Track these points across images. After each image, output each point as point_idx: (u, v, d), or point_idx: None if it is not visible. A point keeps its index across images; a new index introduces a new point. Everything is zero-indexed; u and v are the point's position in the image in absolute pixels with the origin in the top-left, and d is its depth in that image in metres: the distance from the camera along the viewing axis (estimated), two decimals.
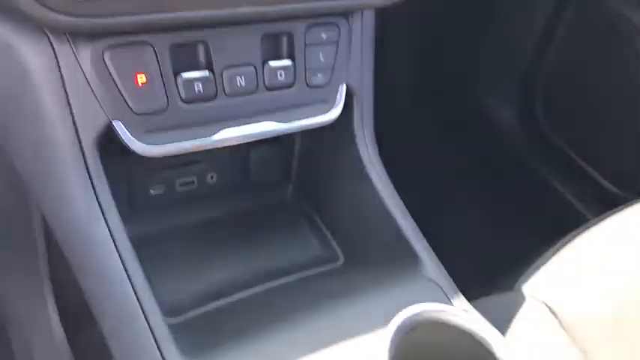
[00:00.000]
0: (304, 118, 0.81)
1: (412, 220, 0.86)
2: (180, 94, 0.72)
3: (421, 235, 0.85)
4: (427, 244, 0.84)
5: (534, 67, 1.58)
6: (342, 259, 0.93)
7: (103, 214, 0.71)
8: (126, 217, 0.73)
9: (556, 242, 0.98)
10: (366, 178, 0.88)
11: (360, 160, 0.88)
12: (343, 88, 0.83)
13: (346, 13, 0.81)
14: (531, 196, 1.64)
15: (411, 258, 0.83)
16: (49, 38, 0.66)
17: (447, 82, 1.78)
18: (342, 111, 0.84)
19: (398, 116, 1.53)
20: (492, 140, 1.70)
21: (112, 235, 0.71)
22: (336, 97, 0.83)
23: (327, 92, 0.82)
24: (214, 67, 0.73)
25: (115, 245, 0.70)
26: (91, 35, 0.66)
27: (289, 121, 0.80)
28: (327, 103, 0.83)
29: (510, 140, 1.67)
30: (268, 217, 0.96)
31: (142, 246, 0.75)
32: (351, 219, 0.92)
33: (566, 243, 0.94)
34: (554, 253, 0.91)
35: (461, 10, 1.61)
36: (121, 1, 0.61)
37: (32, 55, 0.67)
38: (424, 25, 1.69)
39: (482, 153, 1.73)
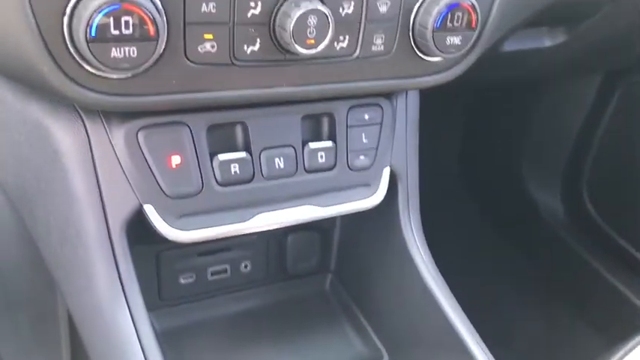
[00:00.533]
0: (345, 203, 0.76)
1: (462, 312, 0.78)
2: (215, 177, 0.68)
3: (472, 328, 0.77)
4: (479, 338, 0.76)
5: (580, 155, 1.53)
6: (385, 358, 0.85)
7: (127, 304, 0.66)
8: (152, 307, 0.68)
9: (620, 340, 0.88)
10: (411, 266, 0.81)
11: (405, 247, 0.82)
12: (387, 171, 0.79)
13: (390, 94, 0.78)
14: (582, 288, 1.55)
15: (462, 354, 0.75)
16: (81, 117, 0.63)
17: (491, 168, 1.74)
18: (386, 195, 0.79)
19: (441, 201, 1.49)
20: (539, 229, 1.63)
21: (135, 327, 0.65)
22: (379, 181, 0.78)
23: (370, 175, 0.77)
24: (252, 148, 0.70)
25: (138, 337, 0.65)
26: (125, 115, 0.64)
27: (329, 205, 0.75)
28: (370, 187, 0.78)
29: (557, 230, 1.60)
30: (305, 310, 0.90)
31: (168, 338, 0.69)
32: (395, 312, 0.85)
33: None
34: (625, 354, 0.82)
35: (506, 98, 1.60)
36: (157, 79, 0.59)
37: (64, 134, 0.64)
38: (468, 110, 1.68)
39: (528, 241, 1.65)
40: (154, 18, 0.53)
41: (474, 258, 1.64)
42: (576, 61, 1.41)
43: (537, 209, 1.63)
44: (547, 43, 1.33)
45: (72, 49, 0.54)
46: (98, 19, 0.51)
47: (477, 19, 0.68)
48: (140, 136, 0.64)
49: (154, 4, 0.55)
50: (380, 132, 0.77)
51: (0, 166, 0.78)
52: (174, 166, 0.66)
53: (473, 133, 1.75)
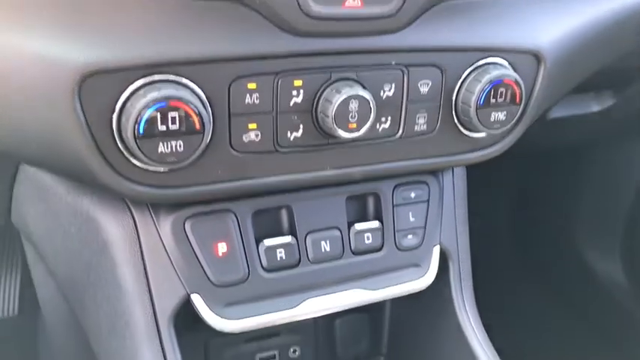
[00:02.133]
0: (395, 285, 0.74)
1: None
2: (261, 263, 0.67)
3: None
4: None
5: (636, 216, 1.47)
6: None
7: None
8: None
9: None
10: (467, 349, 0.77)
11: (459, 329, 0.78)
12: (437, 250, 0.76)
13: (436, 171, 0.77)
14: None
15: None
16: (130, 209, 0.64)
17: (545, 236, 1.68)
18: (437, 274, 0.77)
19: (495, 275, 1.43)
20: (598, 297, 1.55)
21: None
22: (429, 260, 0.76)
23: (419, 255, 0.75)
24: (297, 232, 0.69)
25: None
26: (172, 205, 0.64)
27: (379, 288, 0.73)
28: (420, 267, 0.75)
29: (618, 297, 1.52)
30: None
31: None
32: None
33: None
34: None
35: (557, 162, 1.56)
36: (203, 170, 0.60)
37: (113, 226, 0.65)
38: (517, 177, 1.64)
39: (587, 309, 1.57)
40: (199, 112, 0.55)
41: (534, 334, 1.56)
42: (626, 123, 1.38)
43: (596, 276, 1.55)
44: (595, 108, 1.30)
45: (121, 146, 0.55)
46: (146, 116, 0.53)
47: (522, 93, 0.67)
48: (187, 225, 0.65)
49: (199, 98, 0.56)
50: (427, 210, 0.76)
51: (52, 257, 0.79)
52: (220, 254, 0.65)
53: (523, 200, 1.71)
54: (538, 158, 1.57)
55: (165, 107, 0.53)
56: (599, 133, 1.40)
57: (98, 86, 0.53)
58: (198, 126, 0.55)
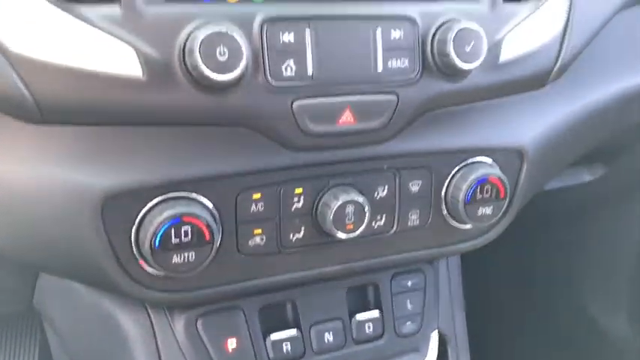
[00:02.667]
0: None
1: None
2: (269, 356, 0.72)
3: None
4: None
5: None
6: None
7: None
8: None
9: None
10: None
11: None
12: (435, 335, 0.81)
13: (431, 259, 0.82)
14: None
15: None
16: (147, 310, 0.70)
17: (550, 292, 1.70)
18: (436, 358, 0.80)
19: (497, 329, 1.45)
20: (602, 349, 1.55)
21: None
22: (428, 345, 0.80)
23: (418, 340, 0.79)
24: (302, 324, 0.74)
25: None
26: (187, 305, 0.69)
27: None
28: (420, 352, 0.79)
29: (621, 347, 1.52)
30: None
31: None
32: None
33: None
34: None
35: (557, 226, 1.60)
36: (212, 274, 0.65)
37: (131, 324, 0.70)
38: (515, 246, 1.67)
39: None
40: (209, 224, 0.60)
41: None
42: (621, 188, 1.42)
43: (601, 330, 1.56)
44: (587, 178, 1.36)
45: (138, 258, 0.61)
46: (162, 232, 0.59)
47: (506, 189, 0.73)
48: (199, 323, 0.69)
49: (209, 210, 0.62)
50: (424, 297, 0.80)
51: (72, 343, 0.84)
52: (230, 350, 0.70)
53: (524, 255, 1.73)
54: (538, 225, 1.61)
55: (179, 222, 0.59)
56: (595, 199, 1.44)
57: (119, 206, 0.59)
58: (208, 237, 0.60)
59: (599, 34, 0.82)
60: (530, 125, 0.78)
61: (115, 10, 0.55)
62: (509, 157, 0.76)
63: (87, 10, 0.54)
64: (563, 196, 1.32)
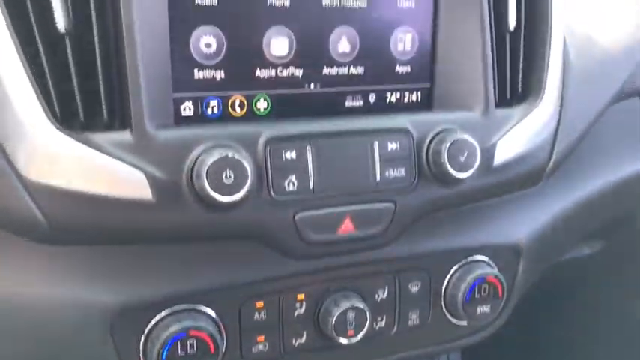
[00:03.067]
0: None
1: None
2: None
3: None
4: None
5: None
6: None
7: None
8: None
9: None
10: None
11: None
12: None
13: (432, 356, 0.83)
14: None
15: None
16: None
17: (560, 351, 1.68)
18: None
19: None
20: None
21: None
22: None
23: None
24: None
25: None
26: None
27: None
28: None
29: None
30: None
31: None
32: None
33: None
34: None
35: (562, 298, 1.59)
36: None
37: None
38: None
39: None
40: (213, 336, 0.62)
41: None
42: (623, 256, 1.43)
43: None
44: (586, 251, 1.37)
45: None
46: (169, 345, 0.60)
47: (503, 288, 0.75)
48: None
49: (214, 321, 0.64)
50: None
51: None
52: None
53: (533, 346, 1.72)
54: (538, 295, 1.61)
55: (185, 337, 0.61)
56: (597, 269, 1.45)
57: (127, 321, 0.61)
58: (213, 349, 0.62)
59: (592, 128, 0.85)
60: (526, 222, 0.80)
61: (125, 135, 0.58)
62: (506, 253, 0.78)
63: (98, 137, 0.57)
64: (562, 267, 1.33)
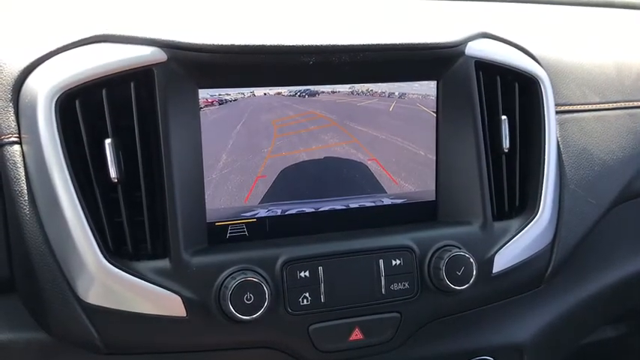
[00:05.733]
0: None
1: None
2: None
3: None
4: None
5: None
6: None
7: None
8: None
9: None
10: None
11: None
12: None
13: None
14: None
15: None
16: None
17: None
18: None
19: None
20: None
21: None
22: None
23: None
24: None
25: None
26: None
27: None
28: None
29: None
30: None
31: None
32: None
33: None
34: None
35: None
36: None
37: None
38: None
39: None
40: None
41: None
42: None
43: None
44: (610, 333, 1.38)
45: None
46: None
47: None
48: None
49: None
50: None
51: None
52: None
53: None
54: None
55: None
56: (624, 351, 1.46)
57: None
58: None
59: (592, 230, 0.91)
60: (529, 323, 0.87)
61: (165, 263, 0.69)
62: (511, 354, 0.84)
63: (143, 265, 0.69)
64: (588, 350, 1.34)
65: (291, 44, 0.71)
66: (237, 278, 0.68)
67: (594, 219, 0.90)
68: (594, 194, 0.90)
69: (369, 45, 0.74)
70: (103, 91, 0.69)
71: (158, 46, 0.70)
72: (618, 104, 0.98)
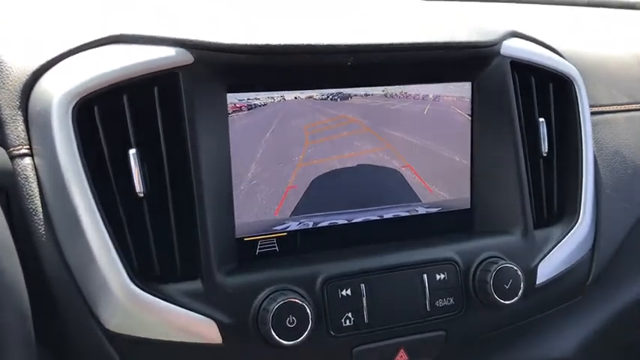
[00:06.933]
0: None
1: None
2: None
3: None
4: None
5: None
6: None
7: None
8: None
9: None
10: None
11: None
12: None
13: None
14: None
15: None
16: None
17: None
18: None
19: None
20: None
21: None
22: None
23: None
24: None
25: None
26: None
27: None
28: None
29: None
30: None
31: None
32: None
33: None
34: None
35: None
36: None
37: None
38: None
39: None
40: None
41: None
42: None
43: None
44: None
45: None
46: None
47: None
48: None
49: None
50: None
51: None
52: None
53: None
54: None
55: None
56: None
57: None
58: None
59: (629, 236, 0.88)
60: (572, 334, 0.83)
61: (196, 284, 0.63)
62: None
63: (172, 288, 0.62)
64: None
65: (330, 44, 0.65)
66: (278, 300, 0.62)
67: (631, 223, 0.87)
68: (629, 198, 0.87)
69: (407, 44, 0.69)
70: (124, 97, 0.62)
71: (184, 47, 0.64)
72: None
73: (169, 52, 0.63)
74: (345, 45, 0.66)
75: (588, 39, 1.05)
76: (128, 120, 0.62)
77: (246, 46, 0.63)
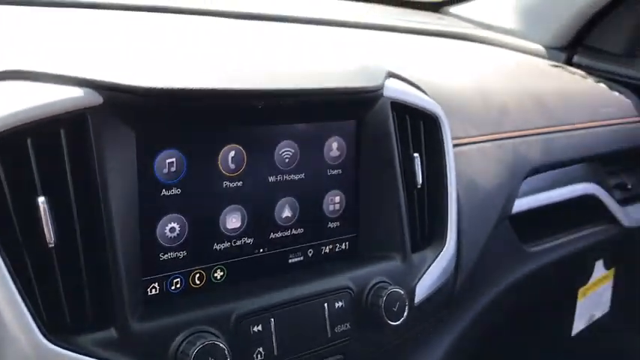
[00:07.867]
0: None
1: None
2: None
3: None
4: None
5: None
6: None
7: None
8: None
9: None
10: None
11: None
12: None
13: None
14: None
15: None
16: None
17: None
18: None
19: None
20: None
21: None
22: None
23: None
24: None
25: None
26: None
27: None
28: None
29: None
30: None
31: None
32: None
33: None
34: None
35: None
36: None
37: None
38: None
39: None
40: None
41: None
42: None
43: None
44: None
45: None
46: None
47: None
48: None
49: None
50: None
51: None
52: None
53: None
54: None
55: None
56: None
57: None
58: None
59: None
60: (445, 339, 0.94)
61: (110, 333, 0.61)
62: None
63: (85, 339, 0.60)
64: None
65: (240, 88, 0.67)
66: (197, 343, 0.63)
67: (484, 241, 1.00)
68: (484, 214, 1.01)
69: (293, 90, 0.73)
70: (28, 141, 0.58)
71: (92, 88, 0.61)
72: (490, 136, 1.10)
73: (76, 92, 0.61)
74: (253, 90, 0.68)
75: (438, 70, 1.18)
76: (33, 165, 0.58)
77: (156, 89, 0.63)
